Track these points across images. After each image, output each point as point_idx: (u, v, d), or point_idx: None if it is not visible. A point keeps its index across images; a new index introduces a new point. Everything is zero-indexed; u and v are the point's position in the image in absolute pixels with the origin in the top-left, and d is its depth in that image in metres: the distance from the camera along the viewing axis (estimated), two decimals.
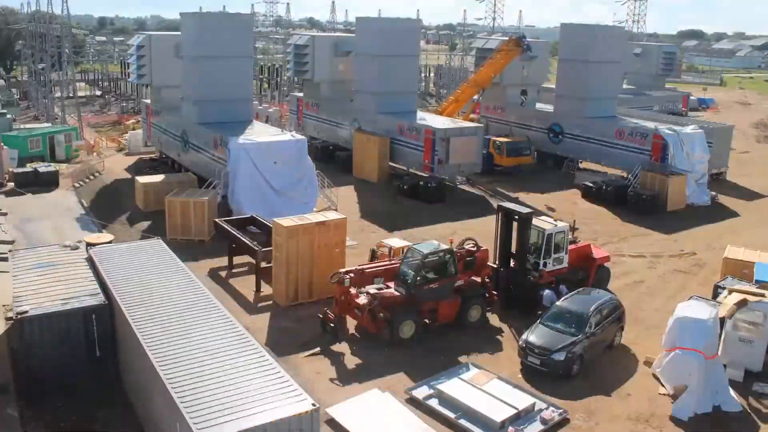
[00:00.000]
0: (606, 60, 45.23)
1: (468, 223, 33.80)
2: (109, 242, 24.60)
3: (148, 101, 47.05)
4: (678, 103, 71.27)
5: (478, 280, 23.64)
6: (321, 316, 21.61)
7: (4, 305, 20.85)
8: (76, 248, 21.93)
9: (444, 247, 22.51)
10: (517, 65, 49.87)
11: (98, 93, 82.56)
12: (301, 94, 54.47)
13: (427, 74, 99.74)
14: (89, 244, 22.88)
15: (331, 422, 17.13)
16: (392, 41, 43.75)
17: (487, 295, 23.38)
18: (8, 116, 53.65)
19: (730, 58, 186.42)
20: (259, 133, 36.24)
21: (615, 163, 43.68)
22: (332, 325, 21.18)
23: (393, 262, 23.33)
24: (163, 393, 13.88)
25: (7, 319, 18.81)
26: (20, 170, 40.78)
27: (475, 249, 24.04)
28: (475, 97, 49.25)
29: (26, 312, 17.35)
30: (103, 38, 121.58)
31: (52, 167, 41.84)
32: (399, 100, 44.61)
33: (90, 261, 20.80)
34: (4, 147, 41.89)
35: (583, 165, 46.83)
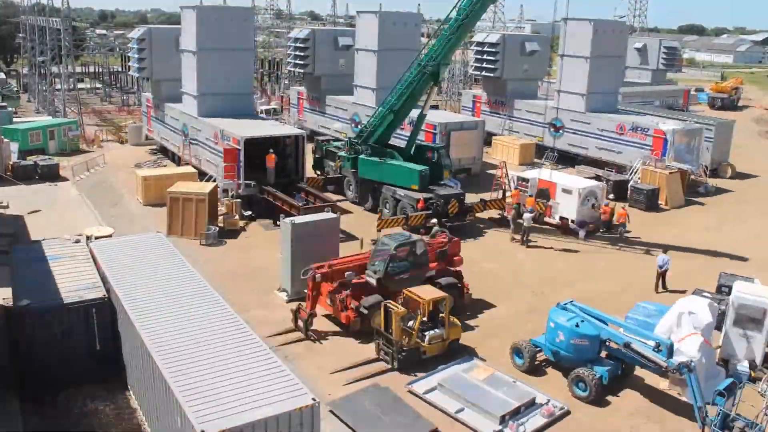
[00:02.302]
0: (607, 55, 45.12)
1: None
2: (110, 236, 24.64)
3: (149, 94, 47.01)
4: (679, 99, 71.11)
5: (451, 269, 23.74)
6: (293, 310, 21.75)
7: (4, 299, 20.87)
8: (77, 242, 21.92)
9: (414, 237, 22.56)
10: (518, 60, 49.74)
11: (98, 86, 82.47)
12: (301, 88, 54.38)
13: None
14: (90, 238, 22.89)
15: (332, 417, 17.16)
16: (393, 35, 43.63)
17: (460, 284, 23.47)
18: (9, 109, 53.55)
19: (730, 53, 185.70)
20: (259, 126, 36.20)
21: (615, 158, 43.61)
22: (304, 320, 21.34)
23: (364, 254, 23.33)
24: (163, 386, 13.90)
25: (8, 312, 18.80)
26: (21, 163, 40.77)
27: (446, 239, 24.07)
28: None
29: (26, 305, 17.37)
30: (104, 31, 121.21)
31: (53, 160, 41.83)
32: None
33: (90, 254, 20.80)
34: (5, 140, 41.84)
35: (582, 159, 46.70)
